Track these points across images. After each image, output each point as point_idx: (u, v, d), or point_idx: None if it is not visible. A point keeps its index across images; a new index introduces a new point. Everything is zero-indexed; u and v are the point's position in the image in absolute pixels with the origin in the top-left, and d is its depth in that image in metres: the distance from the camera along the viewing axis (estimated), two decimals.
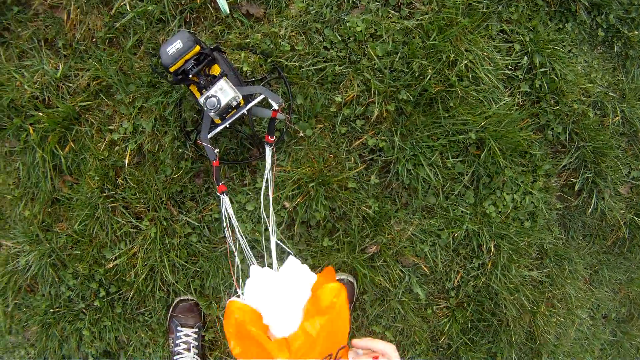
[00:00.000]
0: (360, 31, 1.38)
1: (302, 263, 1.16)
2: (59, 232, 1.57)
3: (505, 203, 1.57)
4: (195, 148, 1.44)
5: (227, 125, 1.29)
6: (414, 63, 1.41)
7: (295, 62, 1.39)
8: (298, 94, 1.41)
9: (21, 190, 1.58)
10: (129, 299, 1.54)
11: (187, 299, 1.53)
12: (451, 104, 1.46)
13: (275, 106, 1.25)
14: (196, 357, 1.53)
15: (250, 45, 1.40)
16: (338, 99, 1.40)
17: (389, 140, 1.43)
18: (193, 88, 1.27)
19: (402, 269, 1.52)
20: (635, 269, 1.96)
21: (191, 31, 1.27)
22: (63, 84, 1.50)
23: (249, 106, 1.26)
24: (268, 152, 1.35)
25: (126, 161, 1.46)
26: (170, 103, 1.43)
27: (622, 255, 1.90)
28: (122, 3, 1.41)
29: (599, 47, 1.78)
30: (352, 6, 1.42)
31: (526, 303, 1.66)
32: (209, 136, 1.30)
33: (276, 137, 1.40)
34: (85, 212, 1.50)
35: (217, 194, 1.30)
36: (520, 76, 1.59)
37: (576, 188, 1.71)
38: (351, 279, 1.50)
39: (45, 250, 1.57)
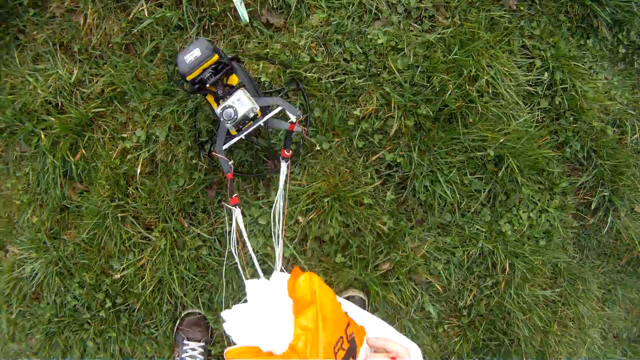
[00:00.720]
0: (382, 44, 1.35)
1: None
2: (67, 240, 1.54)
3: (521, 221, 1.54)
4: (209, 159, 1.40)
5: (243, 137, 1.25)
6: (435, 77, 1.37)
7: (314, 73, 1.36)
8: (316, 106, 1.38)
9: (30, 196, 1.54)
10: (136, 310, 1.50)
11: (195, 313, 1.49)
12: (471, 120, 1.42)
13: (293, 119, 1.21)
14: None
15: (269, 56, 1.36)
16: (356, 112, 1.37)
17: (407, 156, 1.40)
18: (210, 98, 1.24)
19: (415, 287, 1.49)
20: None
21: (210, 39, 1.23)
22: (77, 89, 1.46)
23: (266, 118, 1.23)
24: (284, 167, 1.31)
25: (138, 170, 1.42)
26: (186, 112, 1.40)
27: (636, 274, 1.87)
28: (141, 9, 1.38)
29: (619, 64, 1.75)
30: (374, 18, 1.39)
31: (538, 322, 1.63)
32: (224, 148, 1.27)
33: (292, 150, 1.37)
34: (94, 221, 1.47)
35: (229, 206, 1.27)
36: (540, 92, 1.56)
37: (593, 207, 1.67)
38: (362, 295, 1.47)
39: (52, 258, 1.53)
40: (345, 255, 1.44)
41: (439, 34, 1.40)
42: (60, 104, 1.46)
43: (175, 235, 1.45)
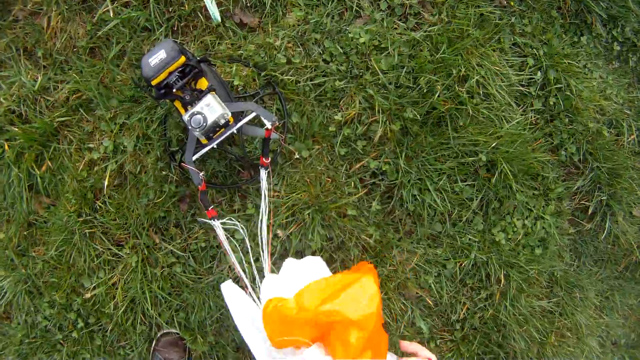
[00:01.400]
0: (364, 43, 1.18)
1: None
2: (35, 257, 1.36)
3: (515, 229, 1.36)
4: (180, 170, 1.23)
5: (215, 146, 1.08)
6: (422, 78, 1.20)
7: (291, 76, 1.18)
8: (294, 111, 1.20)
9: None
10: (109, 331, 1.32)
11: (171, 333, 1.31)
12: (461, 123, 1.25)
13: (269, 125, 1.04)
14: None
15: (242, 57, 1.19)
16: (338, 117, 1.20)
17: (393, 163, 1.22)
18: (177, 104, 1.06)
19: (405, 302, 1.31)
20: None
21: (176, 40, 1.06)
22: (41, 97, 1.29)
23: (239, 125, 1.05)
24: (263, 175, 1.14)
25: (105, 183, 1.25)
26: (155, 120, 1.22)
27: (634, 279, 1.69)
28: (106, 9, 1.20)
29: (614, 62, 1.58)
30: (355, 16, 1.22)
31: (535, 334, 1.45)
32: (194, 158, 1.09)
33: (270, 158, 1.19)
34: (61, 237, 1.29)
35: (206, 220, 1.10)
36: (533, 93, 1.39)
37: (589, 212, 1.50)
38: None
39: (21, 276, 1.35)
40: (330, 269, 1.27)
41: (425, 31, 1.22)
42: (24, 114, 1.29)
43: (147, 252, 1.27)
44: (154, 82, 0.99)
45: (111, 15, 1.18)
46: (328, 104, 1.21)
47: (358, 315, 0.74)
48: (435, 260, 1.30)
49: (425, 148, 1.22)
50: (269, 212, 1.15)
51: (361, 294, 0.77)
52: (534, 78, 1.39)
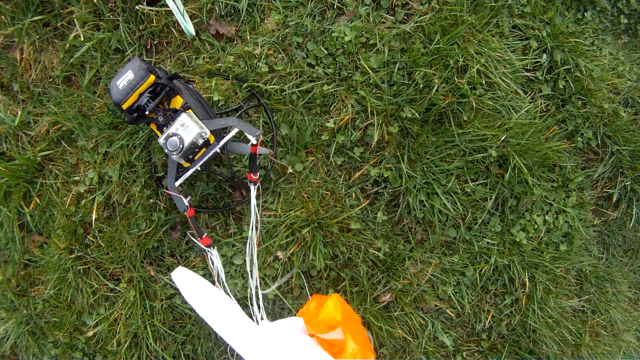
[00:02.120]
0: (350, 41, 1.00)
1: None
2: (35, 297, 1.22)
3: (536, 227, 1.16)
4: (167, 197, 1.07)
5: (199, 168, 0.92)
6: (417, 73, 1.02)
7: (275, 85, 1.01)
8: (282, 122, 1.03)
9: None
10: None
11: None
12: (465, 118, 1.06)
13: (253, 140, 0.87)
14: None
15: (221, 70, 1.03)
16: (330, 124, 1.02)
17: (395, 168, 1.04)
18: (153, 126, 0.91)
19: (424, 316, 1.12)
20: None
21: (143, 59, 0.90)
22: (22, 132, 1.15)
23: (220, 144, 0.89)
24: (253, 192, 0.97)
25: (94, 216, 1.10)
26: (137, 145, 1.07)
27: None
28: (76, 34, 1.06)
29: (622, 37, 1.37)
30: (338, 13, 1.04)
31: (568, 336, 1.24)
32: (177, 183, 0.93)
33: (261, 175, 1.03)
34: (56, 276, 1.15)
35: (202, 246, 0.94)
36: (540, 77, 1.19)
37: (614, 199, 1.29)
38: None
39: (23, 318, 1.22)
40: (338, 289, 1.09)
41: (415, 22, 1.04)
42: (6, 151, 1.16)
43: (144, 285, 1.12)
44: (124, 106, 0.84)
45: (82, 38, 1.04)
46: (318, 111, 1.04)
47: None
48: (452, 269, 1.11)
49: (428, 149, 1.04)
50: (258, 230, 0.98)
51: None
52: (539, 61, 1.19)
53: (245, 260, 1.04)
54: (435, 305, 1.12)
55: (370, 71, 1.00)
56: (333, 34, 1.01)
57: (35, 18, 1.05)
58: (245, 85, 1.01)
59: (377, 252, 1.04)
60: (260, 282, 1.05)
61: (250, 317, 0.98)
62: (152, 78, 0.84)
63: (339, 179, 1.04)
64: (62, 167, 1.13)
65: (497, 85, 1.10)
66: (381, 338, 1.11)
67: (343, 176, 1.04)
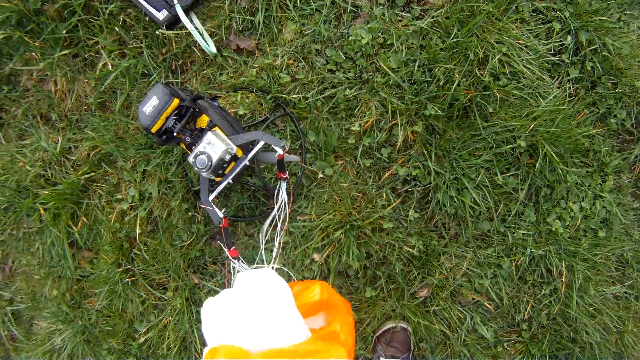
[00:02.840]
0: (367, 43, 1.02)
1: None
2: (89, 308, 1.32)
3: (572, 214, 1.15)
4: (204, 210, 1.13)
5: (231, 181, 0.96)
6: (437, 69, 1.03)
7: (298, 93, 1.05)
8: (309, 129, 1.07)
9: (46, 269, 1.34)
10: None
11: None
12: (490, 110, 1.06)
13: (280, 151, 0.91)
14: None
15: (245, 84, 1.07)
16: (355, 127, 1.05)
17: (423, 166, 1.05)
18: (183, 145, 0.96)
19: (462, 309, 1.14)
20: None
21: (166, 83, 0.95)
22: (64, 158, 1.24)
23: (248, 157, 0.93)
24: (283, 188, 1.01)
25: (137, 231, 1.17)
26: (173, 163, 1.13)
27: None
28: (104, 63, 1.13)
29: None
30: (353, 16, 1.06)
31: (610, 324, 1.23)
32: (211, 197, 0.98)
33: (292, 182, 1.07)
34: (107, 288, 1.24)
35: (230, 258, 0.99)
36: (567, 60, 1.16)
37: None
38: (405, 325, 1.14)
39: (78, 328, 1.32)
40: (375, 287, 1.12)
41: (432, 17, 1.04)
42: (51, 176, 1.25)
43: (189, 292, 1.19)
44: (153, 130, 0.90)
45: (110, 67, 1.10)
46: (343, 115, 1.06)
47: None
48: (487, 262, 1.12)
49: (455, 144, 1.04)
50: (285, 219, 1.00)
51: None
52: (564, 44, 1.16)
53: (284, 264, 1.09)
54: (473, 299, 1.13)
55: (389, 72, 1.01)
56: (350, 38, 1.03)
57: (64, 52, 1.12)
58: (269, 96, 1.04)
59: (411, 249, 1.06)
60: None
61: None
62: (176, 101, 0.89)
63: (369, 180, 1.07)
64: (105, 187, 1.21)
65: (521, 74, 1.09)
66: (420, 333, 1.14)
67: (373, 177, 1.07)
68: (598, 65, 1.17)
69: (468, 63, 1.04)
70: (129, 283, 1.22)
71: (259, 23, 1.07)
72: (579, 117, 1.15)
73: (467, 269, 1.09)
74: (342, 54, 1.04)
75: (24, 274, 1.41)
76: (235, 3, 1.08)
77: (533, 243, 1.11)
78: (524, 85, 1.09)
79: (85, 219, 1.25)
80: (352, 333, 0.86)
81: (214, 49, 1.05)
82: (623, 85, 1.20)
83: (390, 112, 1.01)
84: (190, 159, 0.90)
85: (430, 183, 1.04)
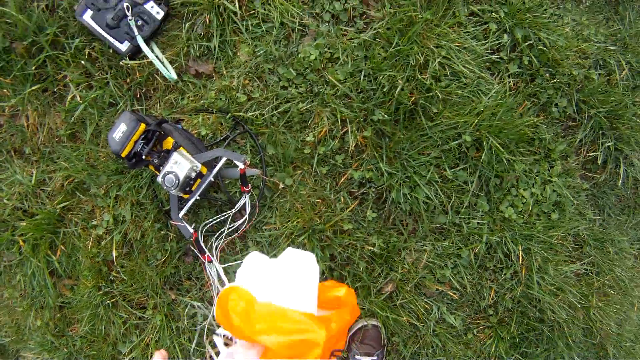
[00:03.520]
0: (315, 59, 1.13)
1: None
2: (73, 335, 1.38)
3: (524, 200, 1.25)
4: (175, 227, 1.21)
5: (198, 197, 1.06)
6: (381, 77, 1.14)
7: (255, 111, 1.15)
8: (267, 143, 1.17)
9: (28, 300, 1.40)
10: None
11: None
12: (435, 110, 1.17)
13: (241, 165, 1.01)
14: None
15: (206, 106, 1.17)
16: (310, 138, 1.15)
17: (376, 168, 1.15)
18: (152, 167, 1.06)
19: (428, 300, 1.23)
20: None
21: (133, 110, 1.05)
22: (40, 189, 1.32)
23: (212, 173, 1.03)
24: (247, 199, 1.10)
25: (114, 254, 1.25)
26: (143, 185, 1.22)
27: None
28: (72, 95, 1.22)
29: (583, 1, 1.45)
30: (301, 34, 1.17)
31: (573, 301, 1.32)
32: (182, 214, 1.08)
33: (255, 194, 1.16)
34: (89, 313, 1.31)
35: (205, 261, 1.08)
36: (505, 57, 1.28)
37: (599, 161, 1.36)
38: (375, 322, 1.22)
39: (64, 356, 1.38)
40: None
41: (374, 29, 1.16)
42: (28, 208, 1.32)
43: (167, 309, 1.26)
44: (123, 155, 0.99)
45: (78, 99, 1.19)
46: (298, 128, 1.16)
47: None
48: (446, 253, 1.21)
49: (404, 145, 1.15)
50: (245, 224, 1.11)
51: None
52: (501, 42, 1.28)
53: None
54: (437, 289, 1.22)
55: (337, 83, 1.12)
56: (299, 55, 1.14)
57: (34, 87, 1.21)
58: (228, 116, 1.14)
59: (372, 248, 1.16)
60: None
61: None
62: (142, 126, 0.99)
63: (327, 187, 1.17)
64: (80, 215, 1.29)
65: (462, 74, 1.20)
66: (391, 328, 1.23)
67: (330, 183, 1.17)
68: (535, 59, 1.29)
69: (410, 68, 1.15)
70: (110, 305, 1.29)
71: (214, 48, 1.17)
72: (520, 108, 1.27)
73: (428, 261, 1.19)
74: (293, 71, 1.15)
75: (7, 307, 1.47)
76: (192, 30, 1.18)
77: (488, 231, 1.21)
78: (465, 84, 1.21)
79: (63, 247, 1.32)
80: (344, 328, 0.97)
81: (174, 75, 1.15)
82: (561, 75, 1.32)
83: (340, 120, 1.12)
84: (159, 178, 0.99)
85: (384, 184, 1.14)
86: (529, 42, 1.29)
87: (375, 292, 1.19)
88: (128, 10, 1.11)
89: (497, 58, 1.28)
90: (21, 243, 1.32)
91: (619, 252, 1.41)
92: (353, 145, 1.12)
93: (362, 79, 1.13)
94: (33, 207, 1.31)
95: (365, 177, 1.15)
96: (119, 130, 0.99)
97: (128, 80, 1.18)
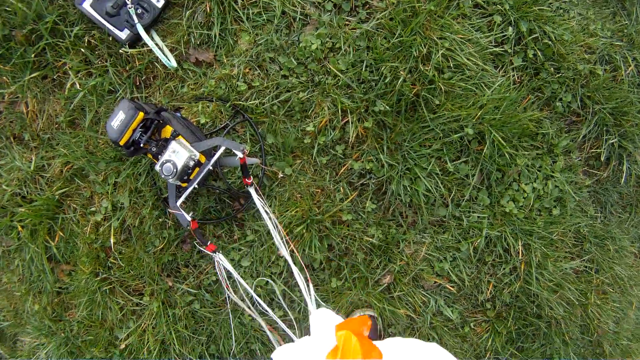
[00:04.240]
0: (317, 48, 1.13)
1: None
2: (71, 320, 1.41)
3: (526, 195, 1.26)
4: (173, 215, 1.23)
5: (197, 186, 1.07)
6: (383, 68, 1.14)
7: (255, 99, 1.16)
8: (267, 132, 1.17)
9: (26, 285, 1.42)
10: None
11: None
12: (437, 102, 1.17)
13: (240, 154, 1.01)
14: None
15: (205, 94, 1.18)
16: (310, 127, 1.15)
17: (377, 160, 1.16)
18: (150, 155, 1.06)
19: (425, 293, 1.24)
20: None
21: (131, 99, 1.06)
22: (39, 175, 1.34)
23: (210, 162, 1.04)
24: (253, 192, 1.11)
25: (112, 240, 1.27)
26: (142, 173, 1.23)
27: None
28: (72, 83, 1.23)
29: None
30: (303, 24, 1.17)
31: (572, 297, 1.34)
32: (179, 202, 1.09)
33: (255, 183, 1.17)
34: (86, 298, 1.33)
35: (210, 254, 1.09)
36: (509, 50, 1.28)
37: (602, 158, 1.37)
38: (372, 312, 1.24)
39: (61, 340, 1.40)
40: (340, 278, 1.22)
41: (377, 20, 1.16)
42: (27, 194, 1.34)
43: (164, 295, 1.28)
44: (121, 143, 1.00)
45: (78, 87, 1.20)
46: (298, 117, 1.17)
47: None
48: (446, 246, 1.22)
49: (405, 137, 1.16)
50: (277, 223, 1.11)
51: None
52: (506, 35, 1.28)
53: (252, 261, 1.19)
54: (435, 282, 1.23)
55: (339, 73, 1.12)
56: (301, 45, 1.14)
57: (33, 75, 1.22)
58: (228, 104, 1.15)
59: (371, 239, 1.17)
60: (270, 279, 1.20)
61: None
62: (141, 115, 1.00)
63: (327, 177, 1.17)
64: (78, 201, 1.31)
65: (465, 66, 1.20)
66: (387, 319, 1.24)
67: (330, 173, 1.18)
68: (539, 52, 1.29)
69: (412, 60, 1.15)
70: (107, 291, 1.31)
71: (215, 36, 1.18)
72: (524, 102, 1.27)
73: (427, 253, 1.20)
74: (294, 60, 1.15)
75: (6, 291, 1.49)
76: (192, 19, 1.19)
77: (489, 225, 1.22)
78: (468, 76, 1.21)
79: (61, 233, 1.34)
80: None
81: (174, 63, 1.16)
82: (566, 70, 1.32)
83: (341, 111, 1.12)
84: (157, 167, 1.00)
85: (384, 175, 1.15)
86: (534, 36, 1.29)
87: (373, 283, 1.20)
88: None
89: (502, 51, 1.28)
90: (20, 229, 1.34)
91: (619, 250, 1.42)
92: (354, 136, 1.13)
93: (363, 69, 1.14)
94: (32, 193, 1.33)
95: (365, 168, 1.16)
96: (118, 119, 0.99)
97: (127, 68, 1.19)
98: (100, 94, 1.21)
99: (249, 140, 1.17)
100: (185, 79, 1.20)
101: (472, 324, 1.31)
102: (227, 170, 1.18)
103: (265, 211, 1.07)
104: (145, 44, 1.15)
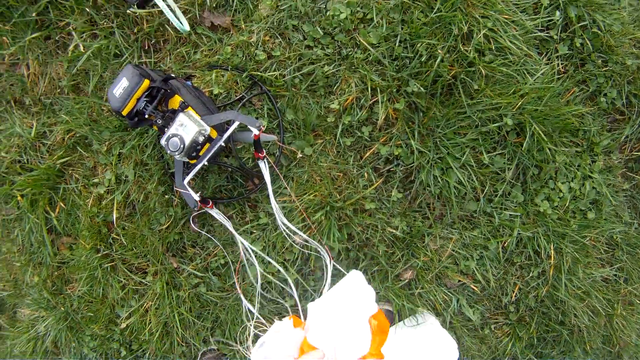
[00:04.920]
0: (346, 18, 0.96)
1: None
2: (71, 294, 1.29)
3: (561, 195, 1.10)
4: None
5: (206, 163, 0.91)
6: (419, 44, 0.97)
7: (275, 71, 0.99)
8: (287, 108, 1.01)
9: (26, 256, 1.30)
10: (151, 355, 1.22)
11: (212, 350, 1.19)
12: (475, 87, 1.01)
13: (255, 131, 0.86)
14: None
15: (220, 62, 1.01)
16: (334, 105, 0.99)
17: (406, 145, 1.00)
18: (156, 128, 0.91)
19: (447, 292, 1.10)
20: None
21: (136, 64, 0.90)
22: (40, 143, 1.19)
23: (222, 139, 0.89)
24: (264, 168, 0.96)
25: (115, 215, 1.13)
26: (148, 145, 1.08)
27: None
28: (75, 44, 1.07)
29: None
30: None
31: (598, 307, 1.19)
32: (186, 180, 0.93)
33: (271, 162, 1.02)
34: (87, 274, 1.20)
35: (206, 209, 0.95)
36: (555, 37, 1.11)
37: None
38: (389, 307, 1.10)
39: (61, 314, 1.29)
40: (358, 269, 1.08)
41: None
42: (27, 162, 1.20)
43: (169, 276, 1.15)
44: (124, 113, 0.85)
45: (82, 49, 1.05)
46: (322, 93, 1.01)
47: None
48: (474, 243, 1.07)
49: (439, 122, 0.99)
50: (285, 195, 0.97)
51: None
52: (552, 19, 1.10)
53: (264, 245, 1.05)
54: (459, 281, 1.09)
55: (370, 47, 0.96)
56: (328, 13, 0.98)
57: (35, 35, 1.06)
58: (245, 74, 0.99)
59: (394, 231, 1.02)
60: (281, 266, 1.06)
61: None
62: (146, 82, 0.84)
63: (350, 160, 1.02)
64: (81, 171, 1.17)
65: (508, 50, 1.03)
66: (405, 315, 1.10)
67: (354, 156, 1.02)
68: (588, 42, 1.12)
69: (452, 38, 0.99)
70: (108, 268, 1.18)
71: None
72: (568, 95, 1.10)
73: (453, 250, 1.05)
74: (320, 30, 0.98)
75: (5, 261, 1.37)
76: None
77: (521, 224, 1.07)
78: (510, 61, 1.04)
79: (62, 204, 1.21)
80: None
81: (187, 27, 1.00)
82: (614, 63, 1.14)
83: (370, 89, 0.96)
84: (163, 141, 0.85)
85: (413, 162, 0.99)
86: (582, 23, 1.11)
87: (393, 278, 1.06)
88: None
89: (547, 36, 1.10)
90: (19, 198, 1.20)
91: None
92: (382, 118, 0.97)
93: (397, 44, 0.97)
94: (32, 161, 1.18)
95: (393, 154, 1.00)
96: (120, 86, 0.84)
97: (136, 30, 1.03)
98: (105, 57, 1.05)
99: (266, 115, 1.01)
100: (199, 45, 1.03)
101: (492, 326, 1.17)
102: (242, 146, 1.03)
103: (279, 188, 0.92)
104: (155, 5, 0.99)
